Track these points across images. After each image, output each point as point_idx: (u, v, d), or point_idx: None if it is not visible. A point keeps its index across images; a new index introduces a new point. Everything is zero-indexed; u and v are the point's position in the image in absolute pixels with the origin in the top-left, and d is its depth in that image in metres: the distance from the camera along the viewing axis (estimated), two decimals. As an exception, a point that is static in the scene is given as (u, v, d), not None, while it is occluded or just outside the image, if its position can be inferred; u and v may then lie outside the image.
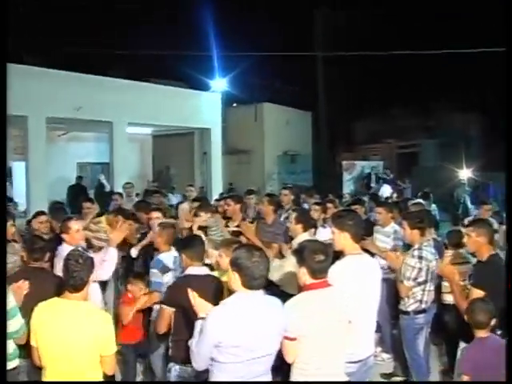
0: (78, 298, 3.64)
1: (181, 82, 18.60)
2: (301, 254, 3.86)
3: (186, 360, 3.93)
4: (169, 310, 4.42)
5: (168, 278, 5.38)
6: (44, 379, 3.63)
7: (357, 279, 4.17)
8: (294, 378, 3.75)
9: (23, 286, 4.19)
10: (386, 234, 6.99)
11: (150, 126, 18.13)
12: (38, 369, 3.74)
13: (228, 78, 20.47)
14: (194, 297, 3.57)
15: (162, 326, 4.51)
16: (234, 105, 24.26)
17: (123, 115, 15.69)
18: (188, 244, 4.77)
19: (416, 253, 5.42)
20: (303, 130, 25.79)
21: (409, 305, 5.49)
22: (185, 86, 18.50)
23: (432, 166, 24.04)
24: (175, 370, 4.33)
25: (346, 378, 3.87)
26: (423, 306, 5.49)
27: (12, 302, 3.91)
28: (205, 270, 4.71)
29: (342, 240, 4.33)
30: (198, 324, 3.43)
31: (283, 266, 5.55)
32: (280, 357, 3.63)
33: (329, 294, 3.78)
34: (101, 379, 3.70)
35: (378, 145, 28.06)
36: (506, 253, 5.19)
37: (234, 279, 3.41)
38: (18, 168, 16.26)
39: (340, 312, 3.76)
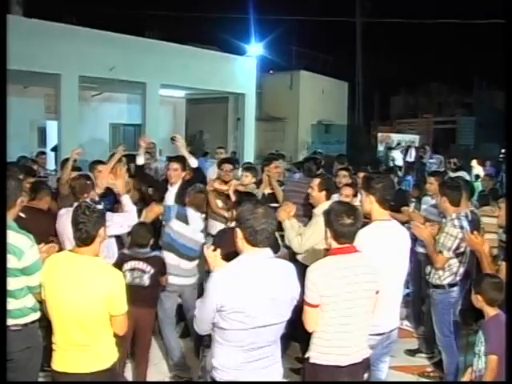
0: (87, 253, 3.46)
1: (215, 46, 18.31)
2: (328, 215, 3.64)
3: None
4: None
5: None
6: (53, 336, 3.51)
7: (383, 247, 3.93)
8: (313, 348, 3.56)
9: (53, 249, 4.11)
10: (436, 205, 6.51)
11: (183, 88, 17.95)
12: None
13: (264, 43, 20.14)
14: (207, 251, 3.36)
15: None
16: (270, 72, 23.90)
17: (157, 76, 15.57)
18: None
19: (457, 222, 5.12)
20: (339, 100, 25.37)
21: (444, 278, 5.23)
22: (220, 50, 18.22)
23: (469, 144, 23.49)
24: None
25: (368, 352, 3.69)
26: (457, 278, 5.25)
27: (35, 256, 3.78)
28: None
29: (368, 203, 4.11)
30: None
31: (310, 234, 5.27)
32: (293, 324, 3.42)
33: (355, 260, 3.55)
34: (110, 338, 3.56)
35: (414, 119, 27.49)
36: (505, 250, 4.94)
37: (238, 237, 3.12)
38: (50, 127, 16.32)
39: (367, 280, 3.53)
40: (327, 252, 3.67)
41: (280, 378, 3.27)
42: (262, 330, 3.05)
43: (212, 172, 8.68)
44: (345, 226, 3.53)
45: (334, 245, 3.59)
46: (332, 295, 3.42)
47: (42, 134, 17.31)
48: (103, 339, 3.51)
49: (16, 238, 3.72)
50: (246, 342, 3.03)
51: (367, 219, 4.18)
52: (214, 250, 3.40)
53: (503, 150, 18.91)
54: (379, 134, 23.24)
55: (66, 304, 3.39)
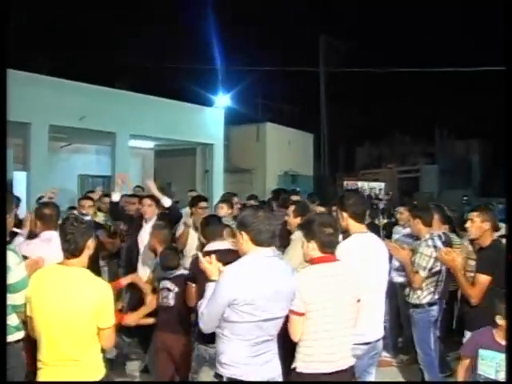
0: (76, 264, 3.45)
1: (183, 97, 18.59)
2: (309, 227, 3.75)
3: (209, 340, 3.93)
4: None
5: None
6: (38, 352, 3.44)
7: (364, 257, 4.06)
8: (299, 358, 3.60)
9: (40, 261, 4.08)
10: (408, 235, 6.66)
11: (152, 139, 18.11)
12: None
13: (231, 94, 20.53)
14: (204, 261, 3.45)
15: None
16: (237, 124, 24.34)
17: (126, 126, 15.70)
18: (205, 223, 4.82)
19: (430, 242, 5.32)
20: (305, 151, 25.86)
21: (423, 297, 5.37)
22: (187, 101, 18.50)
23: (433, 191, 24.10)
24: (198, 349, 4.36)
25: (353, 360, 3.73)
26: (436, 297, 5.37)
27: (22, 273, 3.75)
28: (226, 245, 4.70)
29: (343, 220, 4.27)
30: (209, 287, 3.30)
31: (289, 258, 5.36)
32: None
33: (338, 268, 3.67)
34: (98, 353, 3.51)
35: (379, 169, 28.13)
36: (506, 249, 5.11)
37: (242, 240, 3.32)
38: (19, 178, 16.16)
39: (349, 287, 3.64)
40: (310, 261, 3.76)
41: (280, 372, 3.39)
42: (267, 324, 3.22)
43: (185, 214, 8.74)
44: (329, 236, 3.67)
45: (317, 254, 3.69)
46: (317, 302, 3.51)
47: (9, 185, 17.09)
48: (91, 354, 3.46)
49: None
50: (253, 335, 3.19)
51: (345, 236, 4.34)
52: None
53: (465, 197, 19.47)
54: (345, 182, 23.69)
55: (55, 316, 3.34)
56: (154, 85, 19.22)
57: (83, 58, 19.02)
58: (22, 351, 3.91)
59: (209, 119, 18.73)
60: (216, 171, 19.45)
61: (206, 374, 4.54)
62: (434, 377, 5.39)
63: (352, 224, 4.25)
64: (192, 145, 19.64)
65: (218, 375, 3.28)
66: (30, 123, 13.60)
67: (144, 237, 6.64)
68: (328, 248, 3.68)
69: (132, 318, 5.06)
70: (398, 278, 6.39)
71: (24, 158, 14.83)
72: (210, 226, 5.04)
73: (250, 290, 3.15)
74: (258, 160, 23.55)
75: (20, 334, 3.84)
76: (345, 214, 4.25)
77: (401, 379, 6.53)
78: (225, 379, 3.22)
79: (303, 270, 3.70)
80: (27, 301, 3.51)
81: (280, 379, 3.40)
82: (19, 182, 15.91)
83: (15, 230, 5.27)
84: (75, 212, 5.49)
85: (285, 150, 24.08)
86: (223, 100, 20.04)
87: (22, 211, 12.69)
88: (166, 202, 6.85)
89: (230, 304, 3.14)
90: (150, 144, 19.85)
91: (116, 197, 7.21)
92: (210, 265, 3.41)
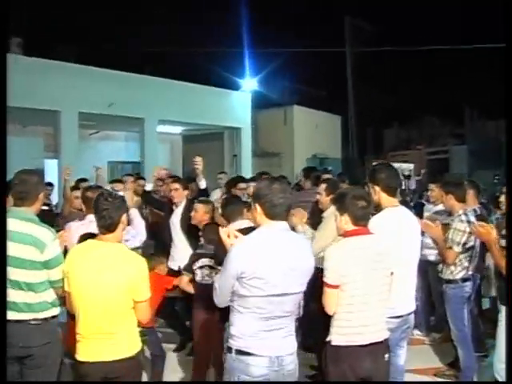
0: (111, 240, 3.52)
1: (211, 81, 18.58)
2: (342, 200, 3.76)
3: None
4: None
5: None
6: (77, 327, 3.53)
7: (396, 230, 4.04)
8: (334, 331, 3.62)
9: (64, 235, 4.18)
10: (439, 212, 6.69)
11: (180, 124, 18.15)
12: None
13: (258, 78, 20.46)
14: (223, 235, 3.35)
15: None
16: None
17: (154, 112, 15.76)
18: (224, 204, 4.77)
19: (463, 217, 5.26)
20: (333, 134, 25.65)
21: (456, 272, 5.33)
22: (214, 85, 18.48)
23: (463, 172, 23.77)
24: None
25: (387, 333, 3.74)
26: (469, 272, 5.34)
27: (57, 250, 3.83)
28: (247, 223, 4.64)
29: (375, 194, 4.23)
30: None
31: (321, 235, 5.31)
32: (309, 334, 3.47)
33: (371, 241, 3.67)
34: (135, 327, 3.60)
35: (407, 151, 27.85)
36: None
37: (256, 212, 3.24)
38: (50, 165, 16.41)
39: (382, 260, 3.64)
40: (343, 235, 3.77)
41: (294, 351, 3.31)
42: (280, 299, 3.13)
43: (215, 196, 8.79)
44: (363, 209, 3.67)
45: (350, 227, 3.70)
46: (351, 274, 3.53)
47: (41, 172, 17.37)
48: (127, 327, 3.55)
49: (39, 231, 3.76)
50: (264, 309, 3.11)
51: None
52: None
53: (496, 177, 19.15)
54: (373, 164, 23.44)
55: (92, 290, 3.43)
56: (181, 69, 19.22)
57: (110, 44, 19.13)
58: (57, 327, 3.98)
59: (236, 103, 18.72)
60: (244, 155, 19.44)
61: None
62: (468, 353, 5.36)
63: (384, 198, 4.21)
64: (219, 129, 19.65)
65: (228, 348, 3.25)
66: (60, 111, 13.76)
67: (175, 221, 6.74)
68: (361, 221, 3.69)
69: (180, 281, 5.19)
70: (430, 256, 6.39)
71: (55, 146, 15.02)
72: (229, 206, 4.99)
73: (258, 264, 3.07)
74: (285, 144, 23.43)
75: (55, 310, 3.91)
76: (377, 188, 4.21)
77: (433, 357, 6.52)
78: (233, 351, 3.18)
79: (335, 243, 3.72)
80: (65, 276, 3.59)
81: (292, 357, 3.29)
82: (51, 169, 16.17)
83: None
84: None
85: (312, 133, 23.90)
86: (250, 84, 20.00)
87: (55, 197, 13.00)
88: (202, 184, 6.97)
89: (238, 277, 3.08)
90: (178, 129, 19.93)
91: (149, 187, 7.67)
92: (229, 239, 3.33)
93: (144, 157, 16.34)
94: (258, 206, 3.22)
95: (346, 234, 3.72)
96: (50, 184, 10.72)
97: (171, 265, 6.37)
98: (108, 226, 3.50)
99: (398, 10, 26.62)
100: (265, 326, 3.15)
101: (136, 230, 5.24)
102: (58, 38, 17.58)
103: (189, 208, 6.48)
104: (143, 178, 9.46)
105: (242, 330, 3.16)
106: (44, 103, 13.25)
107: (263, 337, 3.15)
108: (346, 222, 3.71)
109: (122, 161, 19.19)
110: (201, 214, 5.69)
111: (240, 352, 3.15)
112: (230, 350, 3.22)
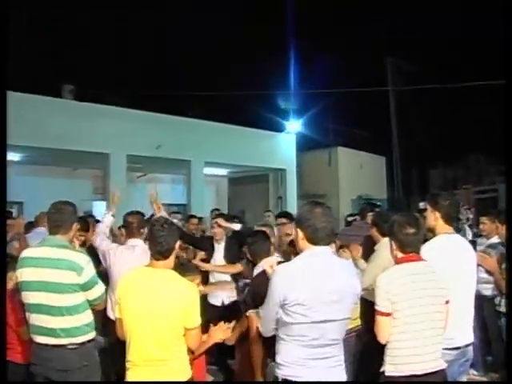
0: (164, 266, 3.55)
1: (254, 124, 18.81)
2: (391, 228, 3.73)
3: None
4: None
5: None
6: (127, 352, 3.53)
7: (451, 258, 3.96)
8: (388, 361, 3.54)
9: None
10: (492, 245, 6.46)
11: (226, 166, 18.35)
12: (116, 345, 3.71)
13: (302, 120, 20.57)
14: (267, 268, 3.44)
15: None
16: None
17: (201, 154, 16.00)
18: (250, 243, 4.76)
19: None
20: (377, 175, 25.49)
21: None
22: (258, 127, 18.67)
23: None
24: (269, 366, 4.11)
25: (444, 364, 3.61)
26: None
27: (92, 271, 3.96)
28: (276, 259, 4.59)
29: (433, 220, 4.16)
30: None
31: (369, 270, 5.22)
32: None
33: (423, 267, 3.61)
34: (185, 354, 3.58)
35: (455, 190, 27.36)
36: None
37: (299, 238, 3.20)
38: (98, 208, 16.72)
39: (436, 287, 3.55)
40: (395, 262, 3.71)
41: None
42: (324, 326, 3.06)
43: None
44: (408, 236, 3.62)
45: (400, 254, 3.65)
46: (403, 301, 3.46)
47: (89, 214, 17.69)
48: (178, 354, 3.53)
49: (74, 256, 3.92)
50: (308, 336, 3.05)
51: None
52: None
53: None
54: (420, 204, 23.08)
55: (144, 317, 3.44)
56: (226, 112, 19.51)
57: (152, 89, 19.64)
58: (94, 350, 4.06)
59: (281, 145, 18.85)
60: (289, 197, 19.44)
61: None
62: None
63: (441, 225, 4.15)
64: (265, 171, 19.74)
65: (275, 377, 3.20)
66: (108, 153, 14.10)
67: (218, 257, 6.75)
68: (408, 247, 3.64)
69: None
70: (485, 291, 6.19)
71: (103, 188, 15.35)
72: (254, 245, 4.81)
73: (300, 291, 3.02)
74: (330, 185, 23.38)
75: (92, 334, 4.02)
76: (437, 214, 4.15)
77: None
78: (280, 379, 3.13)
79: (387, 270, 3.65)
80: (116, 302, 3.61)
81: None
82: (99, 211, 16.47)
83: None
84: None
85: (357, 174, 23.83)
86: (294, 125, 20.11)
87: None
88: (236, 226, 6.95)
89: (281, 304, 3.05)
90: (224, 171, 20.13)
91: None
92: (271, 269, 3.39)
93: (191, 199, 16.51)
94: (300, 231, 3.19)
95: (397, 261, 3.67)
96: (98, 221, 10.90)
97: (211, 300, 6.46)
98: (164, 252, 3.53)
99: (438, 48, 26.55)
100: (311, 354, 3.08)
101: None
102: (107, 83, 18.15)
103: (230, 244, 6.57)
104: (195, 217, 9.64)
105: (287, 358, 3.11)
106: (94, 146, 13.62)
107: (311, 365, 3.08)
108: (395, 249, 3.68)
109: (168, 203, 19.40)
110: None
111: (287, 381, 3.10)
112: (276, 378, 3.17)
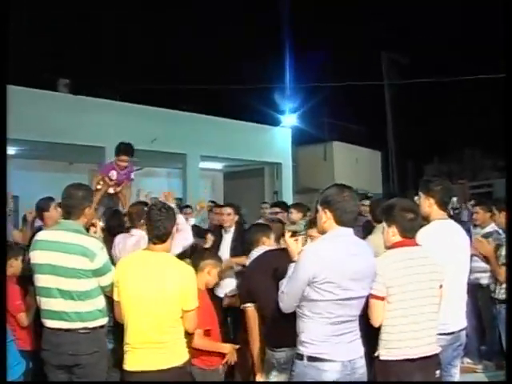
0: (161, 250, 3.58)
1: (249, 117, 18.78)
2: (390, 212, 3.73)
3: (276, 345, 3.93)
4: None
5: None
6: (125, 335, 3.57)
7: (445, 243, 3.97)
8: (382, 345, 3.57)
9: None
10: (486, 235, 6.43)
11: (221, 160, 18.34)
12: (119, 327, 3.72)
13: (298, 114, 20.51)
14: (288, 241, 3.47)
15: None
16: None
17: (196, 148, 15.99)
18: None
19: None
20: (373, 169, 25.53)
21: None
22: (254, 121, 18.64)
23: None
24: (266, 353, 4.18)
25: (438, 348, 3.65)
26: None
27: (105, 257, 3.90)
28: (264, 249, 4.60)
29: (427, 206, 4.17)
30: (291, 267, 3.33)
31: None
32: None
33: (418, 252, 3.64)
34: (182, 337, 3.63)
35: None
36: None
37: (325, 218, 3.31)
38: (94, 202, 16.73)
39: (430, 271, 3.58)
40: (390, 247, 3.72)
41: (362, 354, 3.33)
42: (349, 303, 3.19)
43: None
44: (411, 221, 3.64)
45: (397, 239, 3.67)
46: (398, 285, 3.49)
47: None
48: (176, 337, 3.57)
49: (88, 241, 3.85)
50: (334, 313, 3.16)
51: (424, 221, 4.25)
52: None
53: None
54: (415, 198, 23.12)
55: (142, 300, 3.48)
56: (221, 106, 19.49)
57: (147, 83, 19.60)
58: (105, 337, 4.03)
59: (276, 139, 18.84)
60: (285, 191, 19.44)
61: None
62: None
63: (435, 211, 4.16)
64: (260, 165, 19.73)
65: (298, 355, 3.26)
66: (104, 147, 14.07)
67: (225, 246, 6.75)
68: (409, 233, 3.67)
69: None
70: (481, 279, 6.23)
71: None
72: (247, 235, 4.93)
73: (330, 269, 3.13)
74: (326, 179, 23.24)
75: (104, 320, 3.96)
76: (431, 200, 4.16)
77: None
78: (305, 358, 3.20)
79: (383, 254, 3.67)
80: (115, 285, 3.64)
81: (363, 360, 3.34)
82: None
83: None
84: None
85: (352, 168, 23.87)
86: (290, 119, 20.07)
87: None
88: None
89: (310, 282, 3.13)
90: (219, 165, 20.12)
91: (192, 221, 7.42)
92: (296, 244, 3.43)
93: (186, 192, 16.50)
94: (328, 212, 3.29)
95: (392, 246, 3.68)
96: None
97: (217, 291, 6.38)
98: (161, 236, 3.56)
99: (435, 41, 26.57)
100: (335, 331, 3.19)
101: (183, 235, 5.19)
102: (102, 77, 18.11)
103: (239, 234, 6.55)
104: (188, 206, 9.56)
105: (312, 336, 3.20)
106: (89, 140, 13.61)
107: (335, 342, 3.19)
108: (394, 234, 3.68)
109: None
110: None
111: (312, 358, 3.18)
112: (300, 356, 3.24)
